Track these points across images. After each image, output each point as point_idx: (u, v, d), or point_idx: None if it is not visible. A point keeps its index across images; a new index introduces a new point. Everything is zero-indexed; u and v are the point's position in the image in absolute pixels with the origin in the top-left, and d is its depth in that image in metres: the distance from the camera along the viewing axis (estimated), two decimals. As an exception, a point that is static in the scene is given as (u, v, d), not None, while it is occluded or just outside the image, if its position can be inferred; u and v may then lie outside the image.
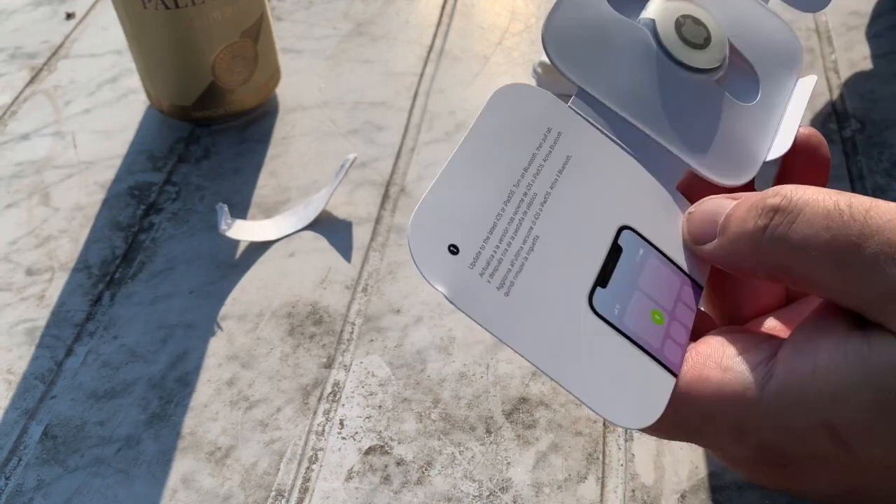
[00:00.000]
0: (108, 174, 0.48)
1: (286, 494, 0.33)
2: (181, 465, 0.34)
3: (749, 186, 0.30)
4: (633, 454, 0.33)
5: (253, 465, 0.34)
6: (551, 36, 0.28)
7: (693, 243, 0.28)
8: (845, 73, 0.50)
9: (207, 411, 0.36)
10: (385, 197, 0.45)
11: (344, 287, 0.41)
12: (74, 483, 0.34)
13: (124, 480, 0.34)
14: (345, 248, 0.42)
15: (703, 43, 0.30)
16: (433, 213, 0.25)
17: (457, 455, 0.34)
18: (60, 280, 0.42)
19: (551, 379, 0.25)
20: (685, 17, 0.30)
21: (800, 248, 0.24)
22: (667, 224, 0.28)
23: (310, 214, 0.44)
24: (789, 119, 0.31)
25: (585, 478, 0.33)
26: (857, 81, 0.50)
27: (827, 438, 0.23)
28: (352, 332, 0.39)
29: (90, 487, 0.33)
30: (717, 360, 0.25)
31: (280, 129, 0.50)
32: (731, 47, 0.31)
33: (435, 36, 0.56)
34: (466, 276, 0.24)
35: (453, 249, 0.25)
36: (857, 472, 0.24)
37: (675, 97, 0.29)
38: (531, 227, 0.26)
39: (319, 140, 0.49)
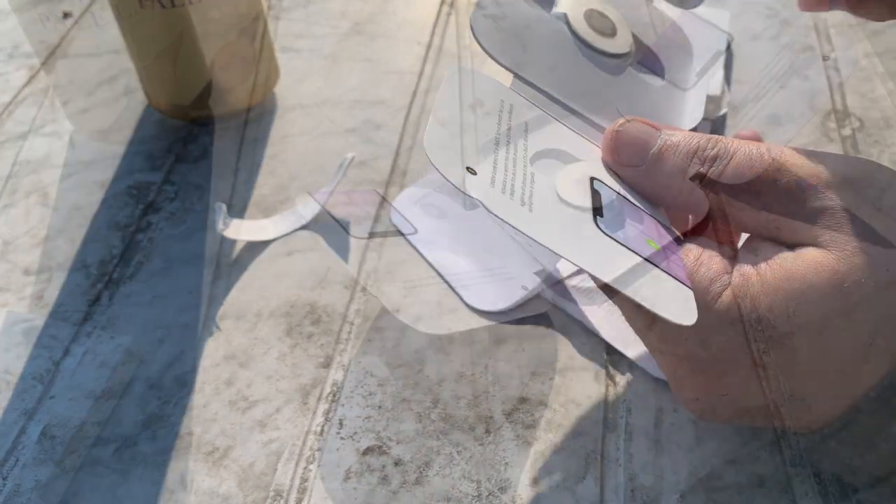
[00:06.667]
0: (107, 174, 0.48)
1: (284, 495, 0.33)
2: (179, 466, 0.34)
3: None
4: (631, 454, 0.33)
5: (251, 466, 0.34)
6: (481, 31, 0.33)
7: (617, 164, 0.31)
8: (845, 71, 0.50)
9: (206, 411, 0.36)
10: (384, 196, 0.45)
11: (342, 287, 0.40)
12: (72, 483, 0.34)
13: (122, 481, 0.34)
14: (343, 248, 0.42)
15: (611, 32, 0.35)
16: (442, 137, 0.27)
17: (455, 455, 0.34)
18: (58, 280, 0.42)
19: (593, 275, 0.27)
20: (591, 10, 0.35)
21: (730, 184, 0.29)
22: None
23: (308, 214, 0.43)
24: (697, 96, 0.36)
25: (584, 478, 0.33)
26: (856, 79, 0.50)
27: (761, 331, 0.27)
28: (350, 332, 0.38)
29: (88, 488, 0.33)
30: (695, 255, 0.29)
31: (278, 128, 0.50)
32: (637, 38, 0.36)
33: (433, 34, 0.56)
34: (491, 190, 0.27)
35: (471, 171, 0.27)
36: (785, 370, 0.28)
37: (592, 78, 0.33)
38: (525, 167, 0.29)
39: (318, 139, 0.49)
